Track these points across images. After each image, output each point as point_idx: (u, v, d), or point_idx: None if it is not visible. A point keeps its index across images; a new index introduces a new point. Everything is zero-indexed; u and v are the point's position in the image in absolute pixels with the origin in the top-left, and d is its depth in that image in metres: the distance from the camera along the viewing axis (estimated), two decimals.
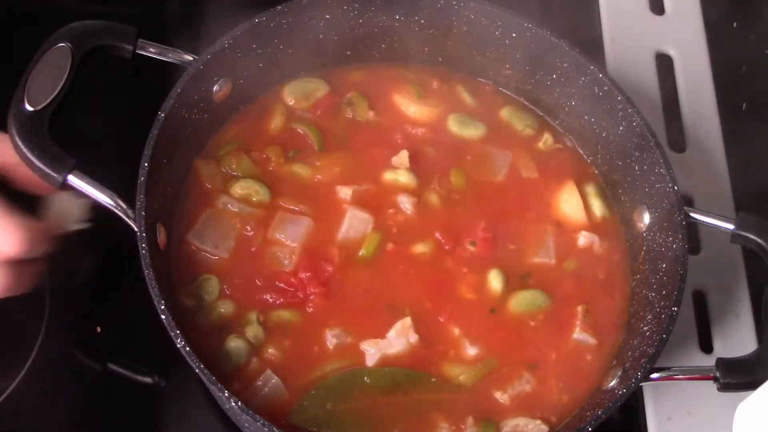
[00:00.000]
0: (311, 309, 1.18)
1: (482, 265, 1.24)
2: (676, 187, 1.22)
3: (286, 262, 1.20)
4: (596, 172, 1.34)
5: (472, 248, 1.24)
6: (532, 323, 1.22)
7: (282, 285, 1.19)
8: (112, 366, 1.24)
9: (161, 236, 1.17)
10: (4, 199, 1.09)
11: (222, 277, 1.19)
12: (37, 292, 1.25)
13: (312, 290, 1.19)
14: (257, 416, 1.05)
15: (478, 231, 1.25)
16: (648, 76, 1.51)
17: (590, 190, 1.31)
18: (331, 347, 1.17)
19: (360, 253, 1.22)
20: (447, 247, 1.24)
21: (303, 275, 1.19)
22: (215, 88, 1.26)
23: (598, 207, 1.30)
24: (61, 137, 1.16)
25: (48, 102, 1.16)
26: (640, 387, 1.19)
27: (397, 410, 1.15)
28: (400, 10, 1.33)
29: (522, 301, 1.22)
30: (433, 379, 1.16)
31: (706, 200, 1.40)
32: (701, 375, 1.15)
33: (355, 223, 1.24)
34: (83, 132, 1.32)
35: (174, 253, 1.20)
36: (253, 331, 1.16)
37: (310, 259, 1.21)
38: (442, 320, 1.20)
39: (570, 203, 1.30)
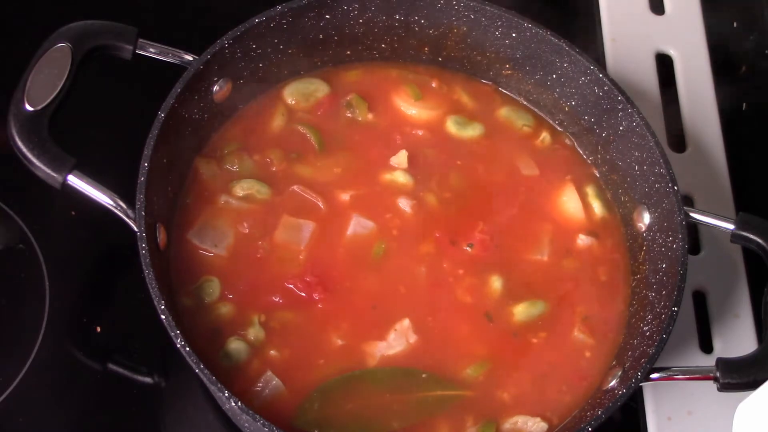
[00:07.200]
0: (314, 311, 1.18)
1: (480, 267, 1.24)
2: (676, 187, 1.22)
3: (290, 265, 1.20)
4: (596, 172, 1.34)
5: (469, 249, 1.24)
6: (532, 326, 1.21)
7: (286, 287, 1.19)
8: (112, 366, 1.24)
9: (161, 236, 1.17)
10: None
11: (223, 278, 1.19)
12: (37, 292, 1.25)
13: (316, 295, 1.19)
14: (257, 416, 1.05)
15: (476, 232, 1.25)
16: (648, 76, 1.50)
17: (590, 190, 1.31)
18: (332, 349, 1.17)
19: (368, 260, 1.22)
20: (446, 249, 1.24)
21: (307, 278, 1.19)
22: (215, 88, 1.26)
23: (597, 207, 1.30)
24: (61, 137, 1.16)
25: (48, 102, 1.16)
26: (640, 387, 1.19)
27: (398, 410, 1.14)
28: (400, 10, 1.33)
29: (522, 309, 1.22)
30: (433, 377, 1.17)
31: (706, 200, 1.40)
32: (701, 375, 1.15)
33: (359, 230, 1.24)
34: (83, 132, 1.32)
35: (174, 253, 1.20)
36: (254, 332, 1.16)
37: (314, 263, 1.21)
38: (441, 320, 1.20)
39: (569, 203, 1.30)
